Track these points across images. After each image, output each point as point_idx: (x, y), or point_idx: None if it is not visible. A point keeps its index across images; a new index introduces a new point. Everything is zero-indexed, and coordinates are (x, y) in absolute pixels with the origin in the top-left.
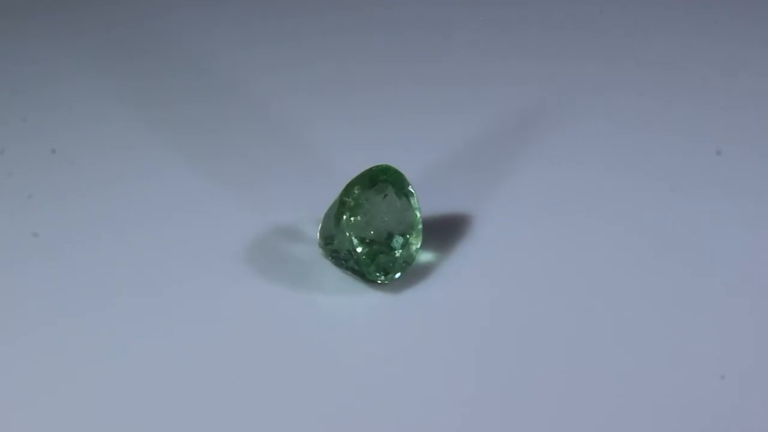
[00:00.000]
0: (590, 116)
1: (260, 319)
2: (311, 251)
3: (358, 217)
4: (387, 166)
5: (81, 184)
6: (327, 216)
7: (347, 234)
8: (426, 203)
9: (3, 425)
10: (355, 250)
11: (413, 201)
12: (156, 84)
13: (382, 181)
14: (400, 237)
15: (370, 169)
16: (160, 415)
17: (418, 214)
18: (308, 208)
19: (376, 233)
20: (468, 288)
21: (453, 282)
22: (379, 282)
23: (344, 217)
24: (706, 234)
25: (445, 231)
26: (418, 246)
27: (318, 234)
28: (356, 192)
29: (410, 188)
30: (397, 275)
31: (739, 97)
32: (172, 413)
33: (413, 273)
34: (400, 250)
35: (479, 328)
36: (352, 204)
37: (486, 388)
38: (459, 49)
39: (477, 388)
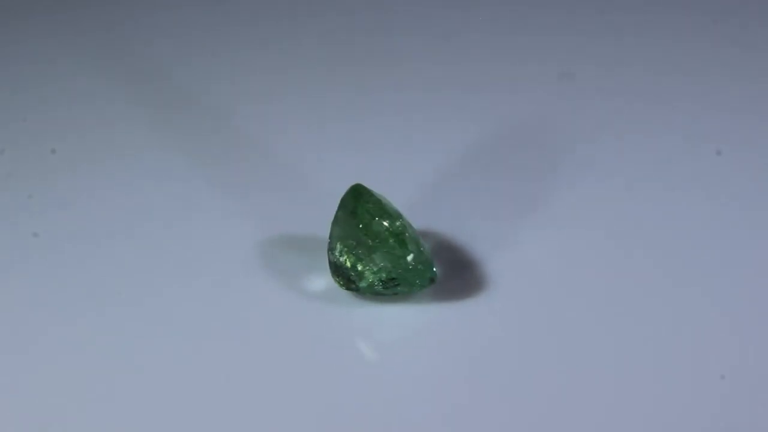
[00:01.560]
0: (590, 118)
1: (271, 328)
2: (318, 257)
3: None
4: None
5: (81, 184)
6: (371, 246)
7: (420, 248)
8: (431, 213)
9: (2, 426)
10: (430, 259)
11: None
12: (157, 84)
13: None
14: None
15: (363, 188)
16: (158, 416)
17: None
18: (307, 215)
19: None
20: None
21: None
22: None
23: (409, 235)
24: (706, 234)
25: (450, 243)
26: None
27: (352, 271)
28: (393, 213)
29: None
30: None
31: (739, 98)
32: (171, 415)
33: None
34: None
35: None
36: (399, 220)
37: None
38: (461, 53)
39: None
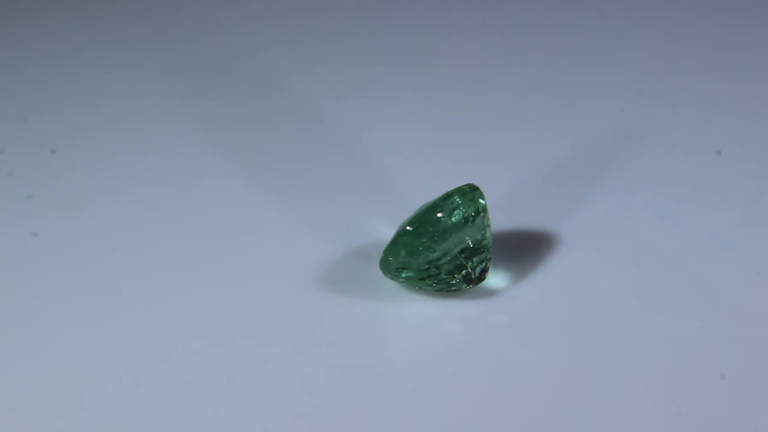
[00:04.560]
0: (589, 118)
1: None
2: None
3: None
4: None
5: (81, 184)
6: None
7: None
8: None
9: (2, 427)
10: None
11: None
12: (159, 84)
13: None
14: None
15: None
16: (154, 416)
17: None
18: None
19: None
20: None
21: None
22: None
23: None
24: (705, 234)
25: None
26: None
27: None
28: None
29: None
30: None
31: (739, 97)
32: (171, 417)
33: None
34: None
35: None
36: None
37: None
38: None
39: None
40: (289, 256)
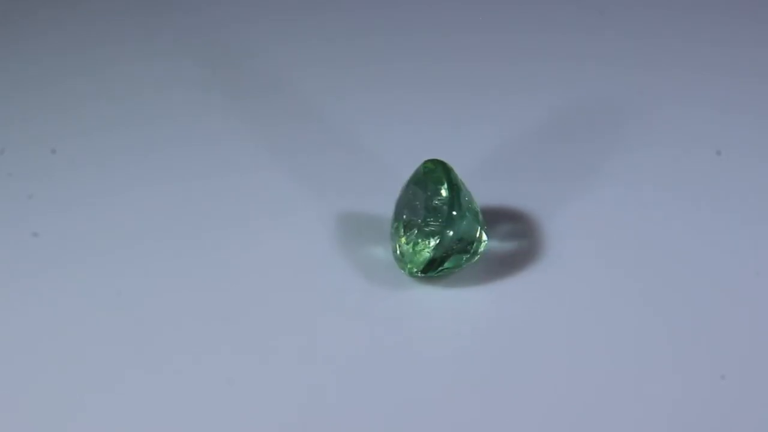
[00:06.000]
0: (587, 117)
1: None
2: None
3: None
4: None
5: (81, 184)
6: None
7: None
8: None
9: (2, 427)
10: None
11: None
12: (159, 83)
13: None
14: None
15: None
16: (155, 413)
17: None
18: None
19: None
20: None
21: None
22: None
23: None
24: (706, 234)
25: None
26: None
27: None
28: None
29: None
30: None
31: (739, 98)
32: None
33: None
34: None
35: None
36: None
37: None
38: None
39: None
40: (289, 255)
